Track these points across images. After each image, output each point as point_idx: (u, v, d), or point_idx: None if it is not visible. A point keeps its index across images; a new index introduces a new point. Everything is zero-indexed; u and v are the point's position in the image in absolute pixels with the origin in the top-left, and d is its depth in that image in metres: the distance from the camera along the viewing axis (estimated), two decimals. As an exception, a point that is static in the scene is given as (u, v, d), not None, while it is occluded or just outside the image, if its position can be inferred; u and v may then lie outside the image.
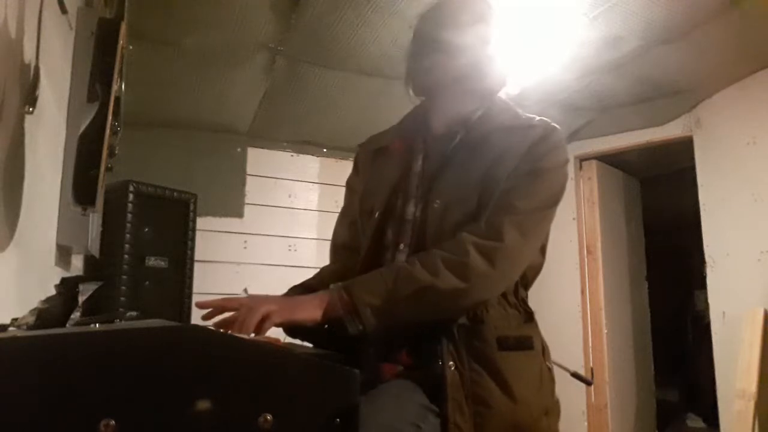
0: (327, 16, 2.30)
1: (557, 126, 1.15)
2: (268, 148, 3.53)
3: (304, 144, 3.61)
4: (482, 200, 1.06)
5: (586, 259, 3.79)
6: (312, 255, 3.52)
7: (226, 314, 0.98)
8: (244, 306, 0.95)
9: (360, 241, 1.23)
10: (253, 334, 0.92)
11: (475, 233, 1.01)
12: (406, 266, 0.98)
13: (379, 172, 1.24)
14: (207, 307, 0.99)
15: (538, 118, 1.17)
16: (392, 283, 0.96)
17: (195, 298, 2.64)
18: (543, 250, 1.16)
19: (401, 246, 1.13)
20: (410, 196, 1.16)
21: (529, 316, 1.10)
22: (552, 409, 1.09)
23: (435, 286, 0.96)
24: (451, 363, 0.99)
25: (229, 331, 0.98)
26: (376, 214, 1.17)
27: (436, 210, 1.08)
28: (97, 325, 0.74)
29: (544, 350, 1.11)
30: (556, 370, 1.17)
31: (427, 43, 1.20)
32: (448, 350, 1.00)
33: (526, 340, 1.07)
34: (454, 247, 1.00)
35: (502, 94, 1.22)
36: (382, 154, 1.27)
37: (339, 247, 1.37)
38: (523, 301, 1.11)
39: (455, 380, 0.98)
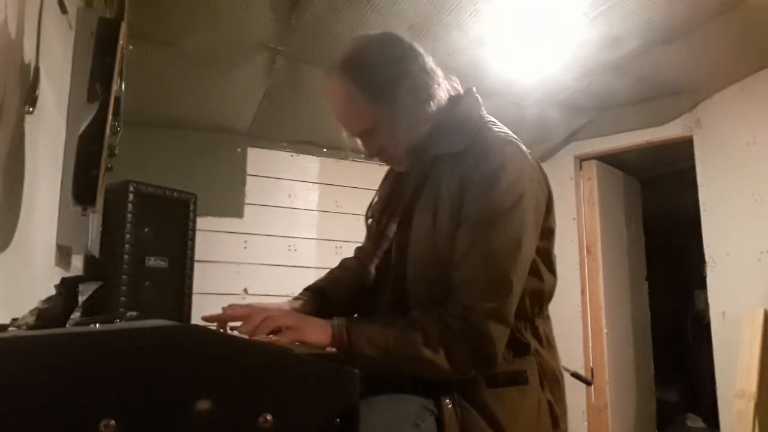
0: (327, 16, 2.30)
1: (497, 145, 1.06)
2: (268, 148, 3.54)
3: (304, 144, 3.61)
4: (439, 253, 1.04)
5: (586, 259, 3.79)
6: (312, 255, 3.52)
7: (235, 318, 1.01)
8: (263, 312, 0.97)
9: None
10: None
11: (467, 325, 0.97)
12: (410, 331, 0.97)
13: (385, 189, 1.32)
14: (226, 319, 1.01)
15: (482, 135, 1.09)
16: (393, 342, 0.96)
17: (195, 298, 2.64)
18: (541, 274, 1.11)
19: (374, 258, 1.20)
20: (394, 215, 1.20)
21: (523, 349, 1.07)
22: None
23: (432, 362, 0.96)
24: (447, 401, 1.00)
25: (232, 328, 1.00)
26: (374, 228, 1.26)
27: (411, 256, 1.09)
28: (97, 325, 0.74)
29: (544, 382, 1.07)
30: None
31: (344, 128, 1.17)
32: (443, 388, 1.00)
33: (518, 375, 1.05)
34: (453, 331, 0.97)
35: (462, 106, 1.15)
36: (391, 172, 1.34)
37: (363, 242, 1.44)
38: (520, 333, 1.07)
39: (452, 419, 0.99)
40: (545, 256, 1.12)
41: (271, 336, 0.94)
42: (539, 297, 1.12)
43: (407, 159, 1.17)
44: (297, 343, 0.94)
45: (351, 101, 1.10)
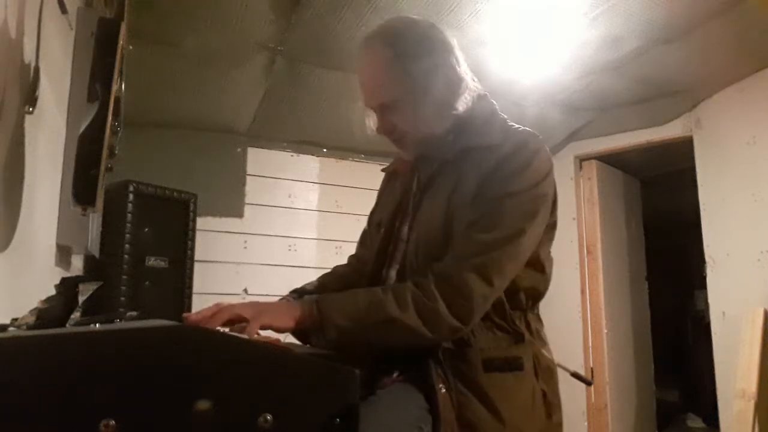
0: (327, 16, 2.30)
1: (532, 136, 1.09)
2: (268, 148, 3.53)
3: (304, 144, 3.61)
4: (447, 231, 1.05)
5: (586, 259, 3.79)
6: (312, 255, 3.52)
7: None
8: (219, 306, 0.97)
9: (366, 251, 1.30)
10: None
11: (442, 279, 0.99)
12: (380, 294, 0.98)
13: (389, 192, 1.32)
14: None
15: (514, 129, 1.12)
16: (363, 308, 0.97)
17: (195, 298, 2.64)
18: (542, 269, 1.13)
19: (394, 263, 1.18)
20: (406, 216, 1.20)
21: (519, 338, 1.08)
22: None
23: (401, 320, 0.96)
24: (441, 385, 1.00)
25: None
26: (381, 231, 1.22)
27: (413, 242, 1.10)
28: (97, 325, 0.74)
29: (538, 371, 1.08)
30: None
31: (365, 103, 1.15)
32: (437, 373, 1.00)
33: (514, 360, 1.05)
34: (424, 287, 0.99)
35: (488, 107, 1.16)
36: (394, 176, 1.34)
37: (357, 250, 1.44)
38: (514, 323, 1.08)
39: (446, 402, 0.99)
40: (546, 253, 1.14)
41: (269, 336, 0.94)
42: (534, 292, 1.13)
43: (418, 147, 1.15)
44: (263, 327, 0.93)
45: (384, 69, 1.09)
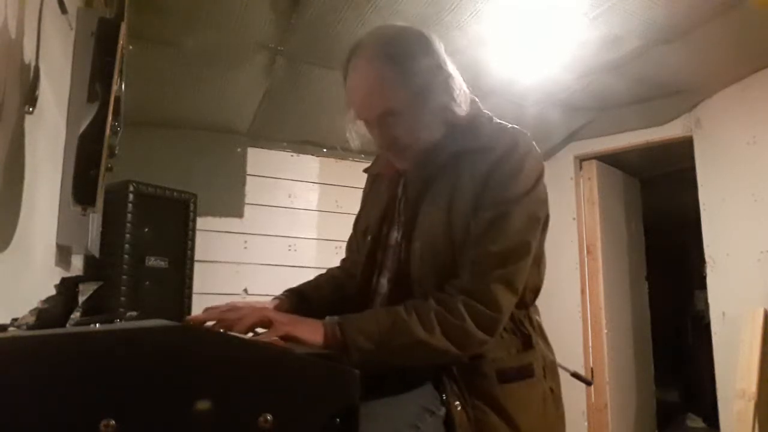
0: (327, 16, 2.30)
1: (521, 136, 1.08)
2: (268, 148, 3.54)
3: (304, 144, 3.62)
4: (451, 238, 1.04)
5: (586, 259, 3.79)
6: (312, 255, 3.52)
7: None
8: (250, 308, 0.97)
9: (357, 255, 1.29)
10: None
11: (468, 295, 0.98)
12: (403, 315, 0.96)
13: (374, 197, 1.30)
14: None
15: (501, 128, 1.11)
16: (387, 330, 0.95)
17: (195, 298, 2.64)
18: (539, 264, 1.13)
19: (384, 271, 1.17)
20: (394, 222, 1.19)
21: (526, 341, 1.08)
22: (556, 427, 1.10)
23: (429, 343, 0.95)
24: (456, 402, 1.00)
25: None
26: (368, 238, 1.21)
27: (416, 251, 1.08)
28: (97, 325, 0.74)
29: (546, 372, 1.10)
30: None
31: (354, 113, 1.12)
32: (451, 390, 1.00)
33: (525, 368, 1.06)
34: (450, 306, 0.97)
35: (472, 107, 1.15)
36: (378, 179, 1.32)
37: (346, 255, 1.43)
38: (521, 323, 1.09)
39: (463, 420, 0.99)
40: (542, 248, 1.14)
41: (261, 331, 0.94)
42: (535, 288, 1.14)
43: (417, 157, 1.13)
44: (289, 338, 0.92)
45: (384, 81, 1.06)
